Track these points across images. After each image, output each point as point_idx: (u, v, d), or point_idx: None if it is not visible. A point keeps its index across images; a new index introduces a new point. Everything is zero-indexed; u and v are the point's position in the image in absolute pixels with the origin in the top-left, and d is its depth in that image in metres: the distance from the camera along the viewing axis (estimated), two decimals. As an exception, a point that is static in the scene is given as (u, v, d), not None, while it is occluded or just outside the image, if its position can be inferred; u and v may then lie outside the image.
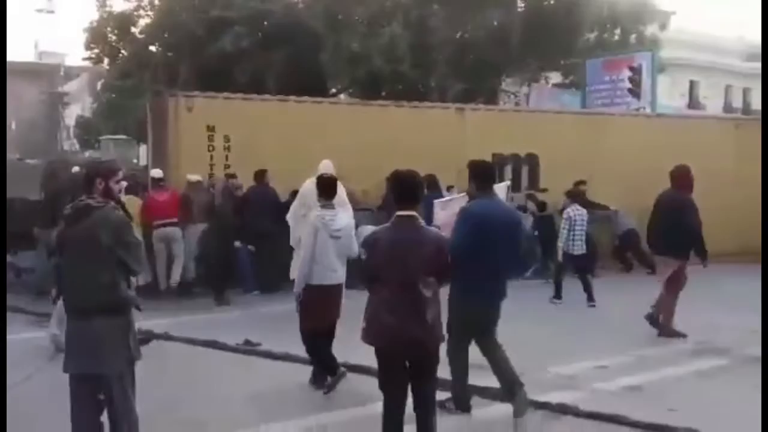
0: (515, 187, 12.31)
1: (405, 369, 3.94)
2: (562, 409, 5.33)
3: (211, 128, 10.58)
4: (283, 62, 18.86)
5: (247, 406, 5.46)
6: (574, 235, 9.49)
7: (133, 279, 4.03)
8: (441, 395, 4.72)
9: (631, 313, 8.87)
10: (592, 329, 8.16)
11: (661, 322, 7.79)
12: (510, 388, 5.03)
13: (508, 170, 12.37)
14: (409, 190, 4.02)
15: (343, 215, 5.69)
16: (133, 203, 9.23)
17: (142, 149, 25.92)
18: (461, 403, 5.18)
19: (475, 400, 5.42)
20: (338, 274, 5.57)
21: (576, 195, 10.09)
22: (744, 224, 13.10)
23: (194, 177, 10.08)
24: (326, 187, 5.62)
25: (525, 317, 7.89)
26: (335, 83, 21.25)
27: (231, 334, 7.29)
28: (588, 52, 19.96)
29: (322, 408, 5.36)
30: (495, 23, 19.41)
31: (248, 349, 6.99)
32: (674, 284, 7.74)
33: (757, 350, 6.97)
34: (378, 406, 4.19)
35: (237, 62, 18.53)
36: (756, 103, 36.50)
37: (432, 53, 19.27)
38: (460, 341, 5.08)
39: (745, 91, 36.94)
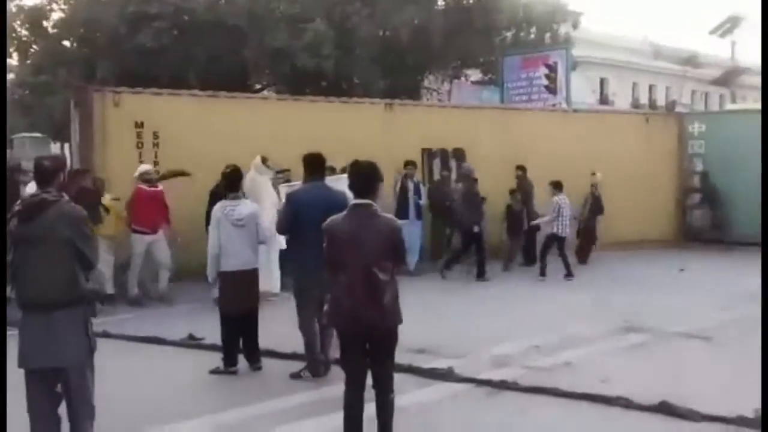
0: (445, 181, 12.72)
1: (365, 350, 4.12)
2: (503, 385, 5.64)
3: (139, 124, 10.37)
4: (205, 58, 18.61)
5: (182, 398, 5.51)
6: (563, 219, 10.96)
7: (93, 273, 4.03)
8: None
9: (562, 296, 9.40)
10: (525, 312, 8.61)
11: None
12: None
13: (437, 164, 12.73)
14: (367, 179, 4.18)
15: (246, 205, 6.21)
16: (116, 206, 8.94)
17: (57, 147, 24.94)
18: (316, 370, 5.76)
19: (418, 381, 5.69)
20: (246, 260, 6.03)
21: (559, 185, 11.19)
22: (648, 214, 14.15)
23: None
24: (230, 182, 6.23)
25: (457, 302, 8.25)
26: (258, 79, 21.15)
27: (177, 329, 7.30)
28: (505, 50, 20.66)
29: (265, 397, 5.47)
30: (416, 21, 19.80)
31: (191, 343, 6.98)
32: None
33: (676, 327, 7.58)
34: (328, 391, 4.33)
35: (157, 58, 18.13)
36: (660, 98, 38.60)
37: (355, 50, 19.47)
38: (302, 309, 5.74)
39: (651, 88, 39.00)
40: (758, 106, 30.09)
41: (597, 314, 8.37)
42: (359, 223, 4.09)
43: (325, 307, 4.55)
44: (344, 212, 4.20)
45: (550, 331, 7.45)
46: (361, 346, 4.10)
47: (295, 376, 5.82)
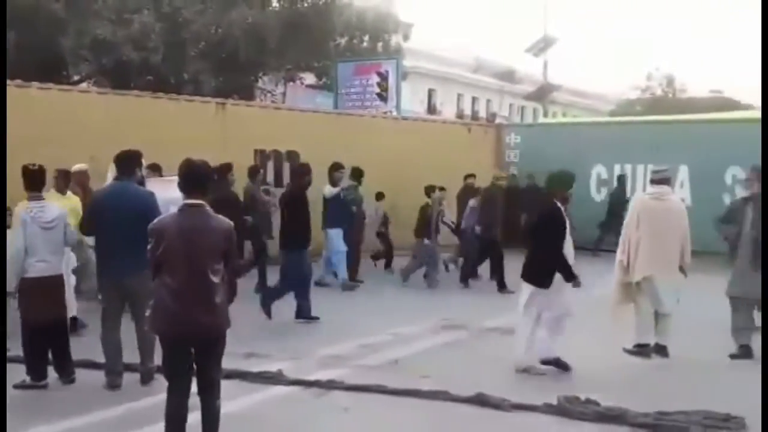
0: (278, 182, 12.65)
1: (190, 355, 3.99)
2: (330, 385, 5.74)
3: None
4: (18, 46, 17.03)
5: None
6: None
7: None
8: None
9: (393, 296, 9.71)
10: (359, 312, 8.75)
11: None
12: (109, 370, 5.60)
13: (270, 166, 12.64)
14: (199, 179, 4.05)
15: (52, 207, 5.76)
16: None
17: None
18: (112, 382, 5.56)
19: (246, 386, 5.64)
20: (52, 265, 5.63)
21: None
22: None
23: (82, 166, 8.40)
24: (32, 180, 5.63)
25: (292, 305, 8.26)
26: (78, 70, 19.77)
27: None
28: (340, 56, 21.00)
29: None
30: (249, 20, 19.54)
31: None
32: None
33: (490, 323, 8.13)
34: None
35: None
36: (482, 110, 41.10)
37: (186, 46, 18.81)
38: (104, 318, 5.62)
39: (474, 100, 41.43)
40: (566, 120, 33.00)
41: (421, 314, 8.71)
42: (191, 223, 3.96)
43: (147, 312, 4.34)
44: (174, 212, 4.05)
45: (379, 331, 7.69)
46: (187, 352, 3.98)
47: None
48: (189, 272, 3.89)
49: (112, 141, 9.78)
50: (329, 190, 10.13)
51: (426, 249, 10.82)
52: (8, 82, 10.93)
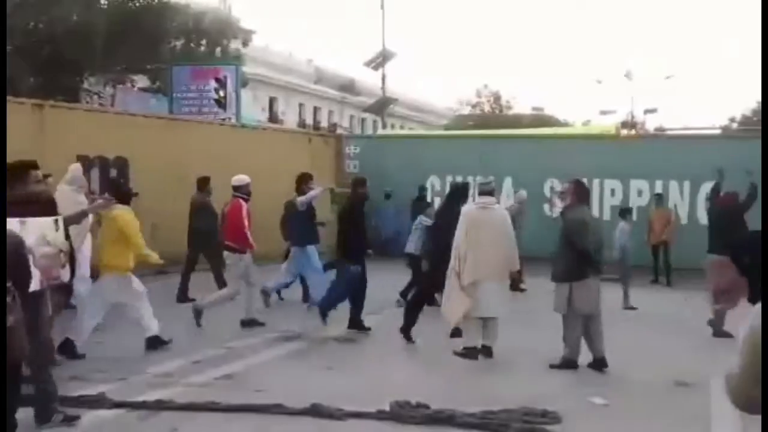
0: (103, 190, 11.85)
1: None
2: (159, 406, 5.44)
3: None
4: None
5: None
6: None
7: None
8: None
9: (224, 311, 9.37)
10: (191, 327, 8.33)
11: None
12: None
13: (95, 173, 11.84)
14: None
15: None
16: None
17: None
18: None
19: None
20: None
21: None
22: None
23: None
24: None
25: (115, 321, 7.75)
26: None
27: None
28: (175, 59, 20.20)
29: None
30: (75, 17, 18.29)
31: None
32: None
33: (330, 332, 8.14)
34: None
35: None
36: (324, 120, 41.40)
37: None
38: None
39: (316, 110, 41.64)
40: (403, 132, 34.05)
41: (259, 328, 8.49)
42: None
43: None
44: None
45: (212, 345, 7.42)
46: None
47: None
48: None
49: None
50: (301, 202, 9.34)
51: None
52: None
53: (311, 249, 9.47)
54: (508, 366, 6.98)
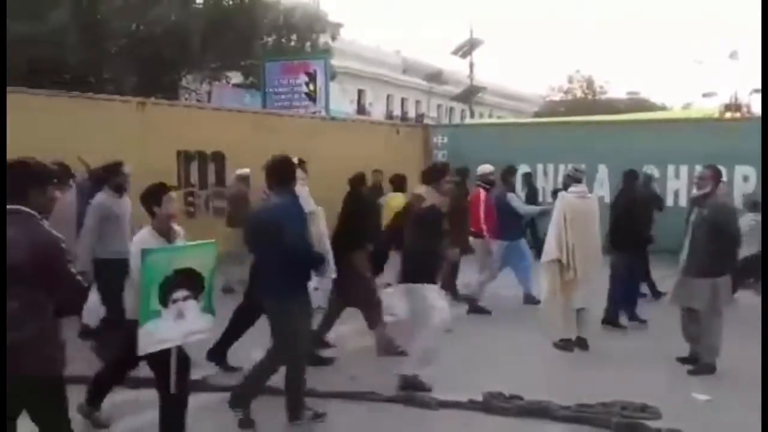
0: (202, 185, 12.39)
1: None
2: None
3: None
4: None
5: None
6: None
7: None
8: None
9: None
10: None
11: None
12: None
13: (194, 167, 12.36)
14: (15, 179, 3.34)
15: None
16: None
17: None
18: None
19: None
20: None
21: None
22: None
23: (244, 171, 8.95)
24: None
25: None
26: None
27: None
28: (267, 55, 20.74)
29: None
30: (172, 18, 19.07)
31: None
32: None
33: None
34: None
35: None
36: (411, 111, 41.46)
37: (105, 44, 18.20)
38: None
39: (403, 101, 41.76)
40: (491, 121, 33.48)
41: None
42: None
43: None
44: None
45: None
46: None
47: None
48: None
49: (18, 146, 9.39)
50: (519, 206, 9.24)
51: None
52: None
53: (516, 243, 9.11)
54: (603, 359, 6.78)
